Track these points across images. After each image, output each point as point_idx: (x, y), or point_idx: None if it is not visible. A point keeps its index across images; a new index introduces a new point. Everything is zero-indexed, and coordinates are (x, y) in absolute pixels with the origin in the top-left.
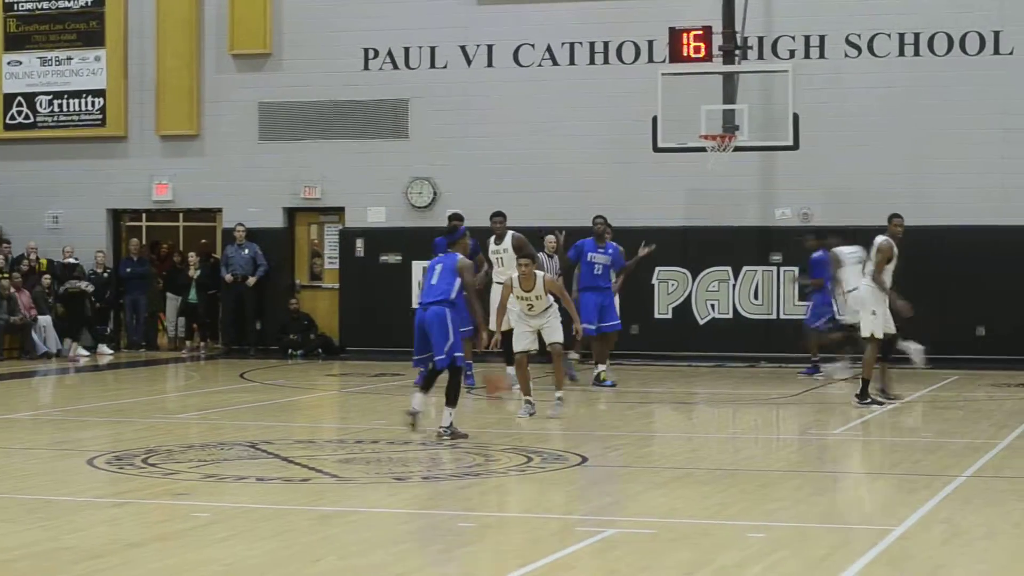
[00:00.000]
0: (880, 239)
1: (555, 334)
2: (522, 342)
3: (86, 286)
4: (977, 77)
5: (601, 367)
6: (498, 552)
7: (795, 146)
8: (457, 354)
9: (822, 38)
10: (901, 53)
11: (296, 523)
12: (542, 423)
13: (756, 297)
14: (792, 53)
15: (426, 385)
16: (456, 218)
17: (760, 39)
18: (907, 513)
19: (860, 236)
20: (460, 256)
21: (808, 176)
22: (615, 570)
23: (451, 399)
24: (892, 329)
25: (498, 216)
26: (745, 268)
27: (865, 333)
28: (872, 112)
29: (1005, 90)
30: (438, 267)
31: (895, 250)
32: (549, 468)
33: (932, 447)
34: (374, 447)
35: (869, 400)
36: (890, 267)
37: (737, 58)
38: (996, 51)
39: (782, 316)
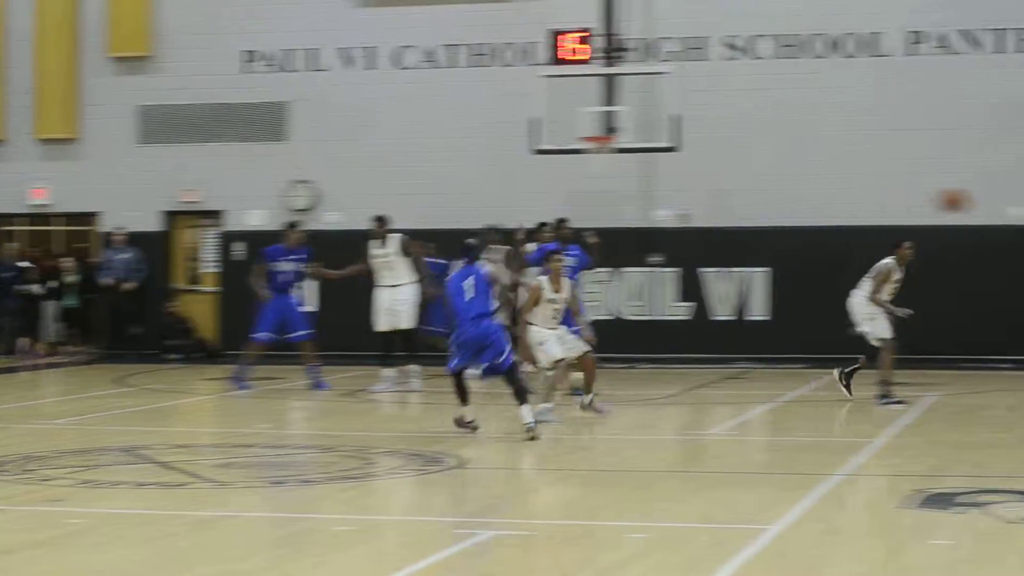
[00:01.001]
0: (884, 262)
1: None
2: (559, 347)
3: None
4: (853, 78)
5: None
6: (375, 556)
7: (675, 148)
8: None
9: (702, 40)
10: (781, 55)
11: (172, 529)
12: (423, 425)
13: (637, 298)
14: (672, 55)
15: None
16: (381, 220)
17: (640, 41)
18: (785, 512)
19: (736, 236)
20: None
21: (688, 178)
22: (493, 572)
23: (523, 396)
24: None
25: (380, 220)
26: (624, 269)
27: (875, 341)
28: (751, 114)
29: (881, 91)
30: (470, 280)
31: (895, 275)
32: (429, 471)
33: (809, 446)
34: (252, 451)
35: (894, 400)
36: (887, 287)
37: (617, 60)
38: (874, 53)
39: (661, 317)
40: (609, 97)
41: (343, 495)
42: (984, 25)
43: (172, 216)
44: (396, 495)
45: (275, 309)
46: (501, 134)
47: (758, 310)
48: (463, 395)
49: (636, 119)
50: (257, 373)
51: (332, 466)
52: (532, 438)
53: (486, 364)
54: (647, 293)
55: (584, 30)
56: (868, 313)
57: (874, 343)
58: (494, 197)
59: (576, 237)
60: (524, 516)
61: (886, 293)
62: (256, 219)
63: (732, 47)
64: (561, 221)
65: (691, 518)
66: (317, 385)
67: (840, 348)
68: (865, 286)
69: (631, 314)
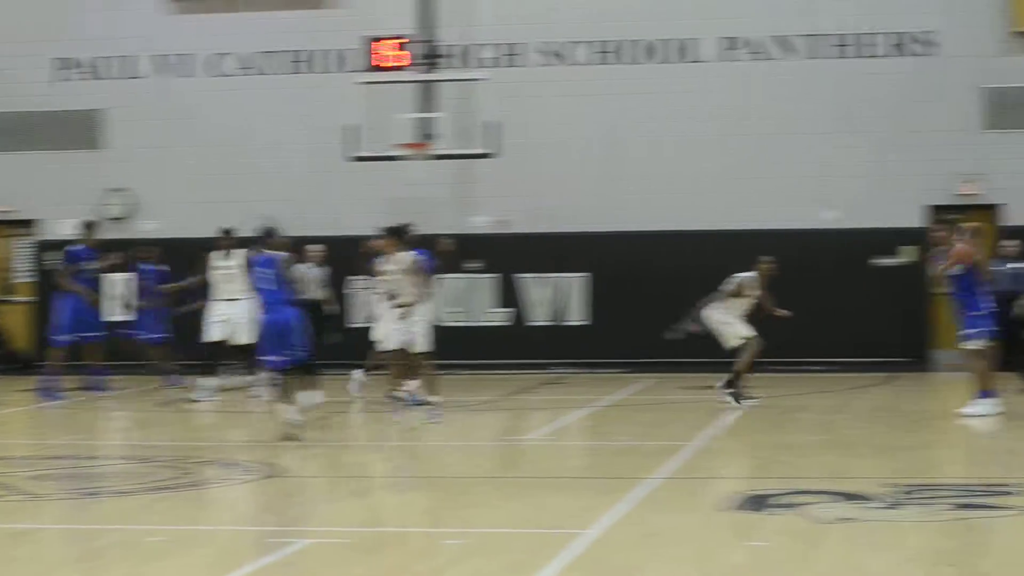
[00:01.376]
0: (742, 276)
1: None
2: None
3: None
4: (670, 83)
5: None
6: (188, 567)
7: (493, 154)
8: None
9: (518, 46)
10: (597, 61)
11: None
12: (239, 435)
13: (455, 305)
14: (489, 62)
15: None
16: (228, 232)
17: (457, 47)
18: (602, 516)
19: (550, 242)
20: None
21: (506, 184)
22: None
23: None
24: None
25: (227, 232)
26: (443, 276)
27: (737, 341)
28: (568, 120)
29: (696, 96)
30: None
31: (746, 291)
32: (244, 480)
33: (627, 450)
34: (67, 463)
35: (737, 396)
36: (740, 301)
37: (434, 67)
38: (689, 59)
39: (479, 323)
40: (426, 104)
41: (158, 506)
42: (798, 31)
43: None
44: (211, 505)
45: (73, 310)
46: (320, 141)
47: (576, 315)
48: (285, 394)
49: (453, 125)
50: (71, 383)
51: (147, 477)
52: (291, 438)
53: (286, 352)
54: (465, 299)
55: (401, 37)
56: (723, 321)
57: (736, 343)
58: (313, 204)
59: (424, 241)
60: (340, 524)
61: (741, 306)
62: (71, 228)
63: (549, 53)
64: (405, 226)
65: (508, 523)
66: (47, 393)
67: (658, 352)
68: (720, 298)
69: (449, 320)
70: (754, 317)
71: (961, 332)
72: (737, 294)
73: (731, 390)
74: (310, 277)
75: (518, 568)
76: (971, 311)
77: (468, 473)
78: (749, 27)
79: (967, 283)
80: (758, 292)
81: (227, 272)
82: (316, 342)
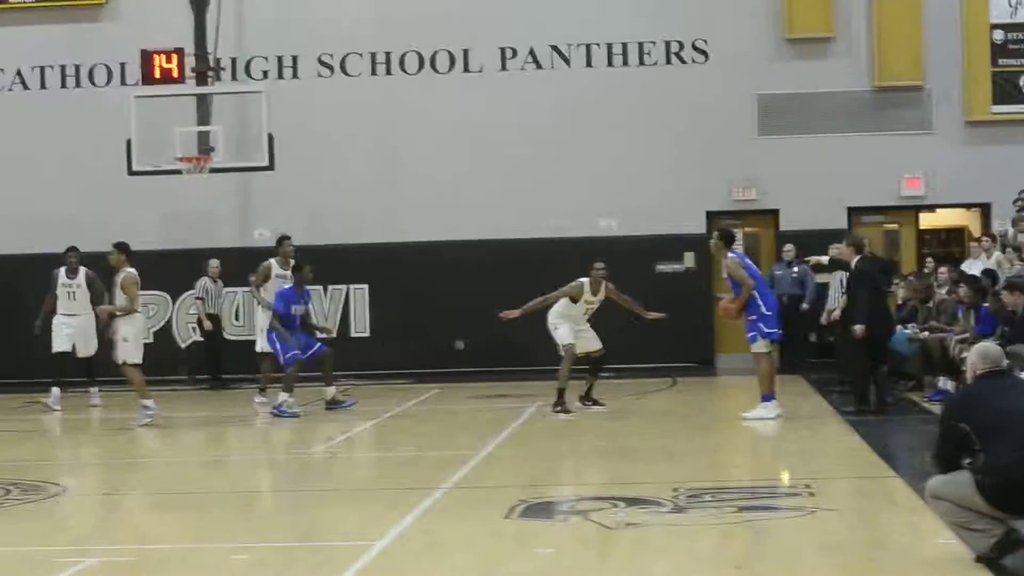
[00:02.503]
0: (577, 281)
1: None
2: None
3: None
4: (445, 94)
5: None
6: None
7: (271, 167)
8: None
9: (294, 59)
10: (373, 72)
11: None
12: (22, 452)
13: (236, 318)
14: (265, 74)
15: None
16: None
17: (233, 60)
18: (388, 527)
19: (334, 254)
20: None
21: (285, 197)
22: None
23: None
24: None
25: (74, 250)
26: (227, 290)
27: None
28: (346, 131)
29: (474, 107)
30: None
31: (581, 297)
32: (27, 500)
33: (413, 460)
34: None
35: (560, 409)
36: (577, 306)
37: (210, 79)
38: (466, 69)
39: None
40: (203, 117)
41: None
42: (576, 41)
43: None
44: None
45: None
46: (94, 157)
47: (359, 327)
48: None
49: (231, 138)
50: None
51: None
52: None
53: None
54: (248, 314)
55: (176, 50)
56: (552, 324)
57: (561, 349)
58: (90, 221)
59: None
60: (126, 541)
61: (580, 312)
62: None
63: (324, 64)
64: (284, 238)
65: (295, 537)
66: None
67: (443, 362)
68: (554, 301)
69: (234, 334)
70: (621, 323)
71: (746, 335)
72: (572, 298)
73: (559, 407)
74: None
75: None
76: (752, 314)
77: (254, 487)
78: (526, 37)
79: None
80: (596, 298)
81: (70, 289)
82: None
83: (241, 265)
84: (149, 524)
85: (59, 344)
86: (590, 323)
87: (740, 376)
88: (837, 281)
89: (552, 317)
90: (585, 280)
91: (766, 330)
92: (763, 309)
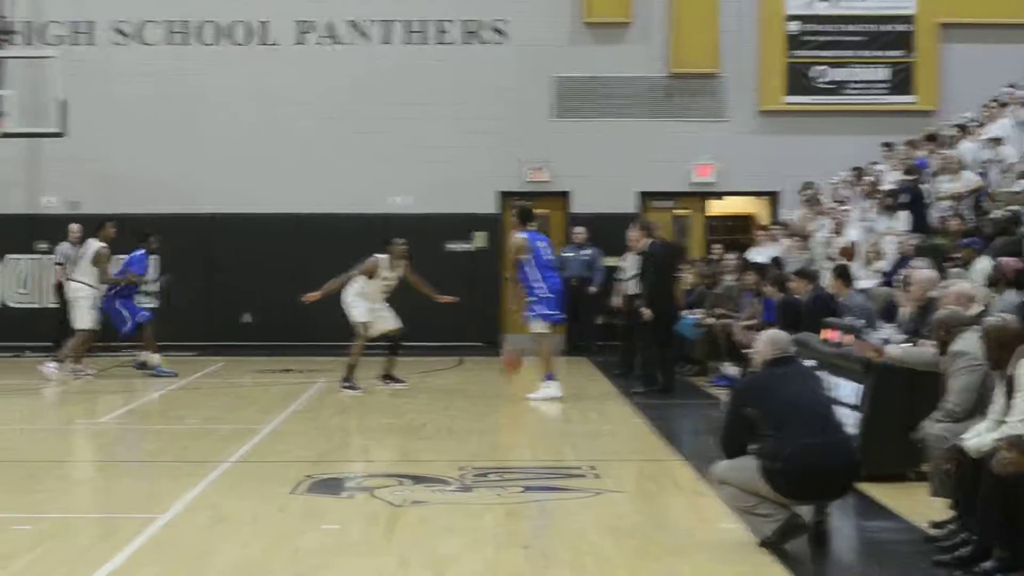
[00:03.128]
0: (374, 257)
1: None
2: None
3: None
4: (241, 65)
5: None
6: None
7: (62, 133)
8: None
9: (91, 24)
10: (170, 41)
11: None
12: None
13: (23, 286)
14: (61, 39)
15: None
16: None
17: (28, 24)
18: (173, 501)
19: (126, 224)
20: None
21: (76, 163)
22: None
23: None
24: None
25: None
26: (9, 257)
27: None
28: (141, 100)
29: (270, 80)
30: None
31: (383, 271)
32: None
33: (199, 434)
34: None
35: (348, 385)
36: (374, 283)
37: (3, 43)
38: (262, 41)
39: (47, 305)
40: None
41: None
42: (372, 17)
43: None
44: None
45: None
46: None
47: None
48: None
49: (22, 104)
50: None
51: None
52: None
53: None
54: (34, 280)
55: None
56: (349, 302)
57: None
58: None
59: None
60: None
61: (378, 290)
62: None
63: (121, 32)
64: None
65: (79, 508)
66: None
67: (230, 335)
68: (353, 277)
69: (18, 302)
70: (411, 302)
71: (525, 315)
72: (369, 274)
73: (347, 383)
74: None
75: (88, 553)
76: (532, 296)
77: (37, 457)
78: (323, 11)
79: (530, 268)
80: (394, 274)
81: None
82: None
83: (26, 233)
84: None
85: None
86: (387, 302)
87: (526, 357)
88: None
89: (349, 296)
90: (384, 256)
91: (547, 312)
92: (545, 291)
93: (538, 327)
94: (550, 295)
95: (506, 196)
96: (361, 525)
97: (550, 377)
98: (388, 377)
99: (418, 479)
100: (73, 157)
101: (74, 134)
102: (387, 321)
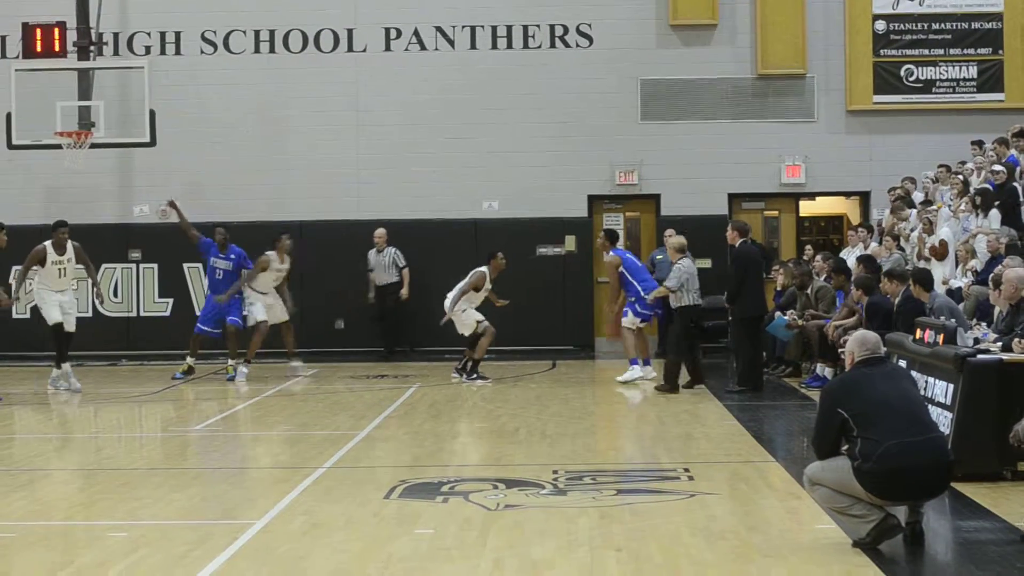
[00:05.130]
0: (480, 270)
1: None
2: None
3: None
4: (331, 74)
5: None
6: None
7: (152, 143)
8: None
9: (178, 34)
10: (257, 50)
11: None
12: None
13: (115, 295)
14: (148, 49)
15: None
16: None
17: (115, 35)
18: (268, 506)
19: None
20: None
21: (166, 173)
22: None
23: None
24: None
25: (63, 224)
26: (104, 266)
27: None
28: (229, 109)
29: (357, 87)
30: None
31: (483, 284)
32: None
33: (293, 440)
34: None
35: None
36: (478, 294)
37: (92, 54)
38: (349, 48)
39: (142, 314)
40: (85, 91)
41: None
42: (461, 23)
43: None
44: None
45: None
46: None
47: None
48: None
49: (112, 114)
50: None
51: None
52: None
53: None
54: (126, 290)
55: (58, 23)
56: (460, 307)
57: (472, 330)
58: None
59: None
60: (3, 518)
61: (480, 299)
62: None
63: (208, 41)
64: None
65: (174, 515)
66: None
67: (323, 342)
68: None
69: (112, 311)
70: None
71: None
72: (477, 288)
73: (474, 374)
74: None
75: (184, 560)
76: (632, 295)
77: (133, 465)
78: (409, 18)
79: (628, 278)
80: (491, 284)
81: (60, 266)
82: None
83: (119, 242)
84: (27, 500)
85: (54, 316)
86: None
87: (619, 360)
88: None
89: (461, 303)
90: (486, 269)
91: (639, 311)
92: (642, 293)
93: (628, 322)
94: (646, 296)
95: (595, 200)
96: (455, 529)
97: (635, 361)
98: (467, 370)
99: (512, 483)
100: (163, 166)
101: (163, 143)
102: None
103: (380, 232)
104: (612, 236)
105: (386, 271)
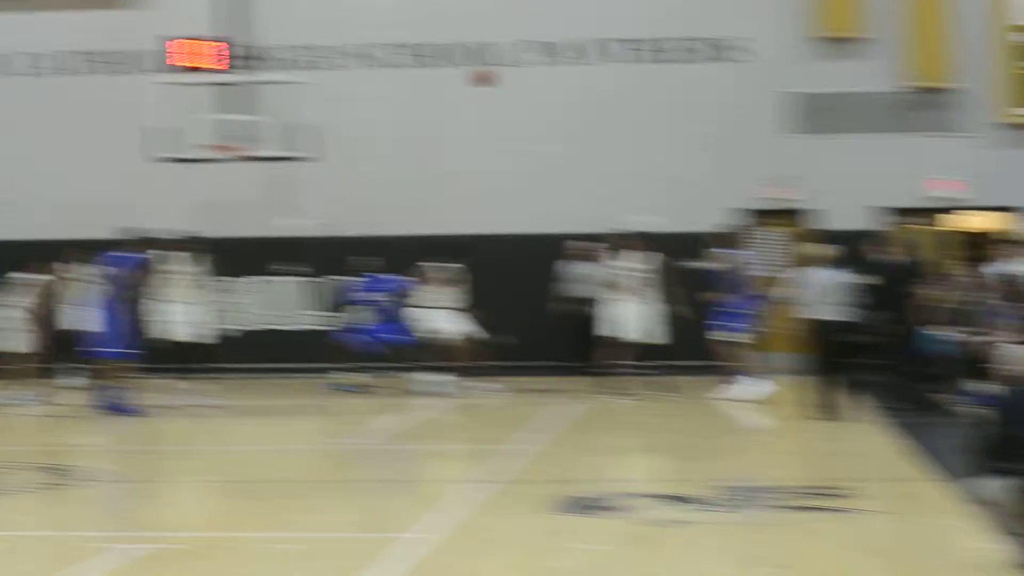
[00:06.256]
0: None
1: None
2: None
3: None
4: (486, 89)
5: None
6: (24, 572)
7: (311, 157)
8: None
9: (336, 49)
10: (412, 65)
11: None
12: (77, 439)
13: (270, 307)
14: (300, 64)
15: None
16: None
17: (269, 49)
18: (433, 519)
19: (364, 245)
20: None
21: (326, 187)
22: None
23: None
24: None
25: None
26: (260, 279)
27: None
28: (385, 123)
29: (504, 101)
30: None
31: None
32: (78, 484)
33: (464, 454)
34: None
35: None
36: None
37: (246, 68)
38: (504, 62)
39: (306, 327)
40: (238, 105)
41: None
42: (615, 36)
43: None
44: (45, 509)
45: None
46: (130, 143)
47: None
48: None
49: (264, 128)
50: None
51: None
52: None
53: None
54: (282, 302)
55: (220, 38)
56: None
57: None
58: (125, 206)
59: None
60: (167, 529)
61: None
62: None
63: (365, 57)
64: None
65: (338, 528)
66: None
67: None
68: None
69: (270, 323)
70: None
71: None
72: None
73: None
74: None
75: (349, 573)
76: (726, 307)
77: (301, 476)
78: (568, 31)
79: (727, 284)
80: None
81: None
82: None
83: (271, 255)
84: (190, 511)
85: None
86: None
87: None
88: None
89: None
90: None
91: (732, 324)
92: (733, 306)
93: (725, 335)
94: (739, 310)
95: (740, 213)
96: (621, 545)
97: (742, 376)
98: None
99: (677, 499)
100: (322, 180)
101: (313, 157)
102: None
103: (575, 245)
104: (728, 235)
105: (575, 284)
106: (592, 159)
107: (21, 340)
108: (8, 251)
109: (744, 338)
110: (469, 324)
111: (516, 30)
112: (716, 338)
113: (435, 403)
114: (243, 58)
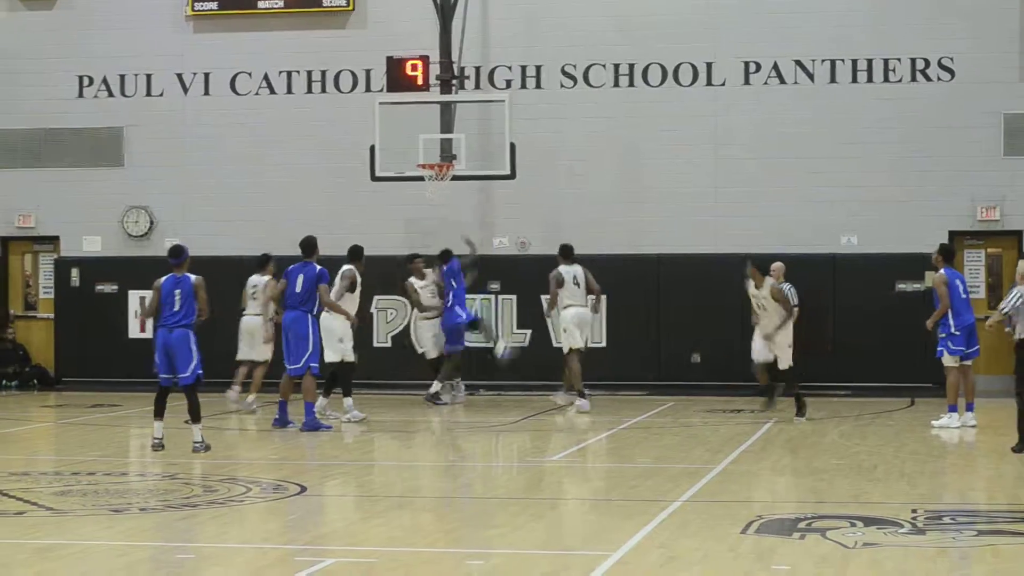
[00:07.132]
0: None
1: None
2: None
3: None
4: (690, 107)
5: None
6: None
7: (512, 175)
8: (199, 372)
9: (538, 68)
10: (616, 83)
11: (12, 557)
12: (264, 453)
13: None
14: (509, 83)
15: (159, 410)
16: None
17: (477, 69)
18: (625, 538)
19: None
20: (196, 278)
21: (525, 205)
22: None
23: (195, 416)
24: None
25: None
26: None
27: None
28: (587, 141)
29: (716, 120)
30: (178, 292)
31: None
32: (268, 498)
33: (649, 472)
34: (91, 479)
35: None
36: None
37: (454, 87)
38: (708, 82)
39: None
40: (446, 124)
41: (183, 523)
42: (818, 56)
43: (6, 241)
44: (237, 522)
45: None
46: (338, 161)
47: (595, 336)
48: (158, 410)
49: (473, 146)
50: (92, 400)
51: (172, 494)
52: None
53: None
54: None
55: (422, 57)
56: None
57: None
58: (331, 224)
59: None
60: (364, 543)
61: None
62: (91, 245)
63: (568, 75)
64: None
65: (531, 545)
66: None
67: (679, 375)
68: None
69: (469, 341)
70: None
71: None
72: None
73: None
74: None
75: None
76: (943, 331)
77: (491, 493)
78: (769, 51)
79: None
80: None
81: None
82: None
83: (479, 273)
84: (387, 527)
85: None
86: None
87: (982, 398)
88: None
89: (781, 336)
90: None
91: (952, 347)
92: (952, 328)
93: (947, 360)
94: (957, 333)
95: (956, 235)
96: (812, 567)
97: (953, 408)
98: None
99: (870, 521)
100: (522, 199)
101: (522, 176)
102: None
103: (777, 265)
104: (947, 253)
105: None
106: (804, 179)
107: (262, 350)
108: (227, 266)
109: (958, 361)
110: None
111: (732, 50)
112: (944, 361)
113: (621, 420)
114: (457, 78)
